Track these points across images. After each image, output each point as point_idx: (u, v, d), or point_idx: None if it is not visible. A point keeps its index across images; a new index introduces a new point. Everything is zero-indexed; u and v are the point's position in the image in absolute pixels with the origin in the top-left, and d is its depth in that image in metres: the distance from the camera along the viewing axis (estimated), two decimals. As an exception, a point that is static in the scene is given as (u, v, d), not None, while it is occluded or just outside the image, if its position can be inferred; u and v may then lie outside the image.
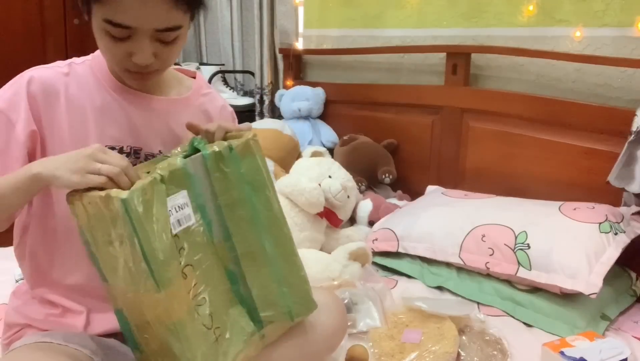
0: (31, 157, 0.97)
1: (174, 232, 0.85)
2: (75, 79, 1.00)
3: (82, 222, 0.86)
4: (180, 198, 0.87)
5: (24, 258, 1.05)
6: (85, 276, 1.01)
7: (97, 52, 1.03)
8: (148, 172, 0.87)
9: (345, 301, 1.39)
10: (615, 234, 1.56)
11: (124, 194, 0.80)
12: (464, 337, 1.34)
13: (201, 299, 0.91)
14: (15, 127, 0.94)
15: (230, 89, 3.00)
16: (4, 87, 0.98)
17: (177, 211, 0.87)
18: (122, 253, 0.83)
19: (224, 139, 0.96)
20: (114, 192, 0.80)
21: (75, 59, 1.04)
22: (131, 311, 0.89)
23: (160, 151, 1.05)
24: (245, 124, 0.99)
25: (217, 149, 0.91)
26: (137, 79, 0.97)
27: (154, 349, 0.89)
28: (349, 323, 1.28)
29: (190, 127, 0.99)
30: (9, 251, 1.90)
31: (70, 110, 0.98)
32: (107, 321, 1.02)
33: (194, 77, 1.15)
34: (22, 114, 0.95)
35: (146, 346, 0.90)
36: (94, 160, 0.83)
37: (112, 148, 0.99)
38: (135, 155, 1.03)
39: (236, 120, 1.19)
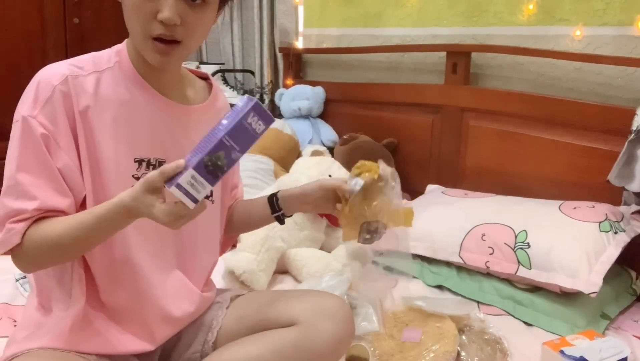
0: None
1: None
2: (104, 81, 0.97)
3: None
4: None
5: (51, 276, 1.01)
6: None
7: (122, 49, 1.00)
8: None
9: None
10: (615, 233, 1.56)
11: None
12: (463, 336, 1.34)
13: None
14: (61, 146, 0.92)
15: (230, 88, 3.00)
16: (33, 98, 0.92)
17: None
18: None
19: None
20: None
21: (101, 60, 0.99)
22: None
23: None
24: None
25: None
26: (160, 51, 0.93)
27: None
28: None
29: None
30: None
31: (98, 113, 0.96)
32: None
33: (204, 78, 1.16)
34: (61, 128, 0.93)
35: None
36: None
37: (141, 161, 0.99)
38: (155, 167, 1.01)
39: None
